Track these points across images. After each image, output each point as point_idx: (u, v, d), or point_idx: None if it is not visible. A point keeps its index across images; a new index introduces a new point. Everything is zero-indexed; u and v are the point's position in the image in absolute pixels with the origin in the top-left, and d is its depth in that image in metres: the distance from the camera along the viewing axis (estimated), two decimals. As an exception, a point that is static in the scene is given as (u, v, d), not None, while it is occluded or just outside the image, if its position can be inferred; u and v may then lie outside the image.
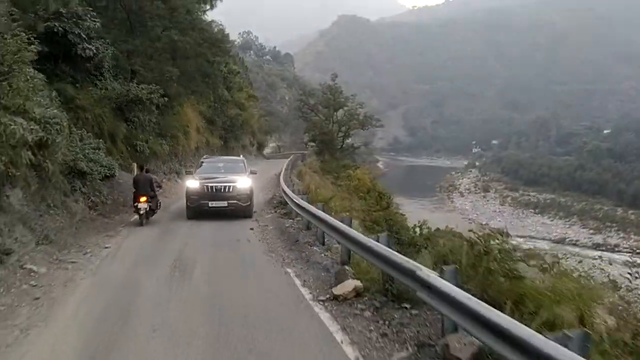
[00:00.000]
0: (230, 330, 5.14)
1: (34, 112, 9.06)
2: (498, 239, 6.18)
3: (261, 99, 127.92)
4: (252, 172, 14.80)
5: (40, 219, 9.24)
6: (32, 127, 8.63)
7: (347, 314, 5.61)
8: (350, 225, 7.38)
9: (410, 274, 4.92)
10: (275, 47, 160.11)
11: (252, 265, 8.21)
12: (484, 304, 3.92)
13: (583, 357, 2.98)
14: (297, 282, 7.02)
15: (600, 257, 60.21)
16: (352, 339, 4.94)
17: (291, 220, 12.09)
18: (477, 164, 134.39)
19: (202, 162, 15.55)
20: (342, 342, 4.90)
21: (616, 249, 65.82)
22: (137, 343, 4.90)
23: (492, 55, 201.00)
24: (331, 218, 8.35)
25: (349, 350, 4.70)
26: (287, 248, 9.20)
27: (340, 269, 6.84)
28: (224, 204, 13.11)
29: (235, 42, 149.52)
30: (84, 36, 16.21)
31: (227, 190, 13.23)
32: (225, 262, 8.46)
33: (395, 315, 5.43)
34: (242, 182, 13.48)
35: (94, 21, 16.48)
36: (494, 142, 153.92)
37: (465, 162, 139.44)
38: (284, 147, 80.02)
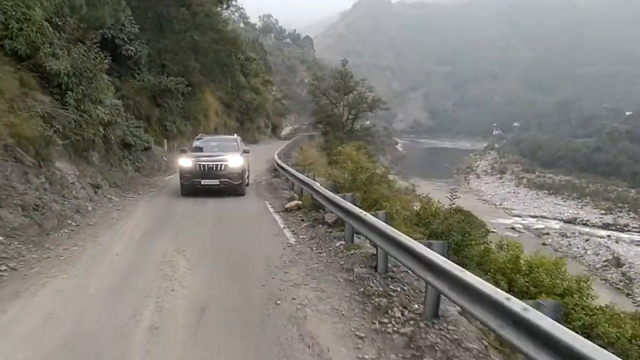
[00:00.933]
0: (228, 220, 10.14)
1: (105, 102, 14.10)
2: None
3: (281, 81, 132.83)
4: (245, 151, 15.42)
5: (108, 173, 14.34)
6: (104, 111, 13.66)
7: (288, 216, 10.57)
8: (314, 179, 12.01)
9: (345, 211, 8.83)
10: (295, 30, 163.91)
11: (245, 199, 13.21)
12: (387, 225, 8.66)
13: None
14: (269, 205, 12.01)
15: (608, 236, 63.69)
16: (285, 222, 9.91)
17: (278, 179, 16.97)
18: (496, 146, 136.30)
19: (196, 141, 15.97)
20: (280, 223, 9.83)
21: (625, 229, 68.35)
22: (176, 223, 9.89)
23: (515, 37, 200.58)
24: (297, 172, 13.21)
25: (282, 225, 9.65)
26: (269, 192, 14.24)
27: (292, 197, 11.74)
28: (216, 182, 13.67)
29: (256, 26, 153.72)
30: (126, 39, 21.24)
31: (218, 168, 13.73)
32: (228, 199, 13.44)
33: (313, 214, 10.31)
34: (234, 161, 13.96)
35: (133, 26, 21.51)
36: (515, 124, 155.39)
37: (485, 145, 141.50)
38: (300, 129, 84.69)
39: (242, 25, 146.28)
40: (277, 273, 6.57)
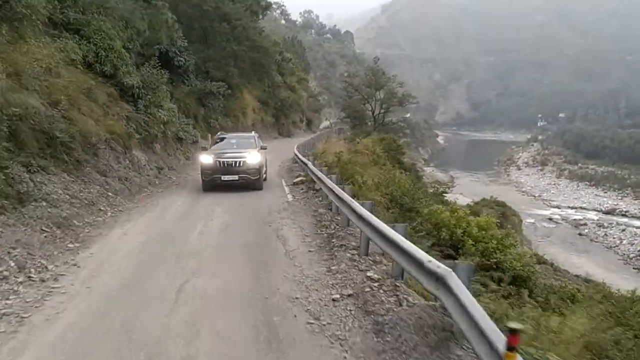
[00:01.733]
0: (251, 191, 14.72)
1: (164, 106, 19.02)
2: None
3: (321, 76, 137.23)
4: (262, 148, 16.45)
5: (167, 159, 19.26)
6: (164, 113, 18.56)
7: (294, 187, 15.05)
8: (313, 163, 16.40)
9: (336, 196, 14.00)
10: (335, 26, 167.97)
11: (268, 177, 17.86)
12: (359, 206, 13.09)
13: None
14: (283, 181, 16.55)
15: (646, 226, 64.72)
16: (290, 190, 14.45)
17: (296, 164, 21.47)
18: (539, 137, 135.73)
19: (217, 139, 17.23)
20: (286, 190, 14.39)
21: (665, 220, 68.83)
22: (214, 190, 14.55)
23: (563, 24, 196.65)
24: (301, 156, 17.74)
25: (287, 191, 14.22)
26: (287, 173, 18.78)
27: (299, 175, 16.25)
28: (235, 177, 14.56)
29: (297, 22, 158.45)
30: (177, 52, 26.19)
31: (237, 164, 14.62)
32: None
33: (309, 185, 14.75)
34: (252, 157, 14.88)
35: (183, 41, 26.46)
36: (561, 115, 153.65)
37: (529, 137, 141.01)
38: (337, 123, 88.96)
39: (283, 22, 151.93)
40: (273, 214, 11.09)
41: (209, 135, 27.10)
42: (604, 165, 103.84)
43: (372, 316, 5.15)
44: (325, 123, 76.84)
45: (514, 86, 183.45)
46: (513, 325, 2.86)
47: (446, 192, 43.65)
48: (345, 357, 4.38)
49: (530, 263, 13.51)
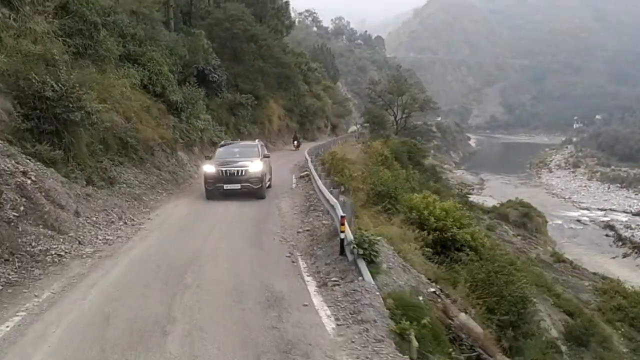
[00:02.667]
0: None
1: (201, 117, 24.00)
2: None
3: (351, 81, 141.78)
4: (265, 156, 16.77)
5: (203, 160, 24.16)
6: (201, 123, 23.51)
7: (300, 179, 19.68)
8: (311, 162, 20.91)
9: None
10: (366, 31, 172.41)
11: (283, 172, 22.47)
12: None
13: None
14: (293, 176, 21.19)
15: (676, 226, 66.37)
16: (296, 180, 19.09)
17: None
18: (574, 140, 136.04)
19: (220, 148, 17.56)
20: (294, 181, 19.05)
21: (695, 221, 70.02)
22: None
23: (600, 26, 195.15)
24: (309, 158, 22.34)
25: (294, 181, 18.89)
26: (298, 170, 23.39)
27: (306, 170, 20.88)
28: (238, 186, 14.96)
29: (328, 29, 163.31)
30: (211, 69, 31.22)
31: (240, 174, 15.02)
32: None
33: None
34: (254, 167, 15.27)
35: (216, 60, 31.52)
36: (597, 117, 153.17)
37: (563, 139, 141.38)
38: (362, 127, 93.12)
39: (315, 29, 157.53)
40: (278, 196, 15.74)
41: (239, 140, 32.03)
42: (636, 168, 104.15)
43: (313, 237, 9.73)
44: (353, 128, 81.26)
45: (549, 89, 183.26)
46: (342, 214, 7.38)
47: (470, 194, 47.14)
48: (292, 246, 9.00)
49: (480, 237, 17.50)
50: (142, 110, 17.82)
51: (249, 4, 38.89)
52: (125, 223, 11.17)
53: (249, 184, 15.08)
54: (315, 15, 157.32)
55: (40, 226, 9.05)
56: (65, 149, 11.28)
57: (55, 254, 8.51)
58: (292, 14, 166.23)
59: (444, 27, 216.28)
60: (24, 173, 9.46)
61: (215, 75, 31.32)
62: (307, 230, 10.40)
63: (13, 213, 8.67)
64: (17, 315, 5.99)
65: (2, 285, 6.98)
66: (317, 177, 13.59)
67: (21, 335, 5.45)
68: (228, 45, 34.57)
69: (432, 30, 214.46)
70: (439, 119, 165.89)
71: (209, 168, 15.50)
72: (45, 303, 6.44)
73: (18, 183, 9.14)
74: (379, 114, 53.35)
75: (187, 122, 22.39)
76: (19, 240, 8.33)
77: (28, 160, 9.93)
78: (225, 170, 15.11)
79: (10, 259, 7.85)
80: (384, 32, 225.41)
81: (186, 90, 23.41)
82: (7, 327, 5.65)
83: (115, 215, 11.32)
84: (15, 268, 7.60)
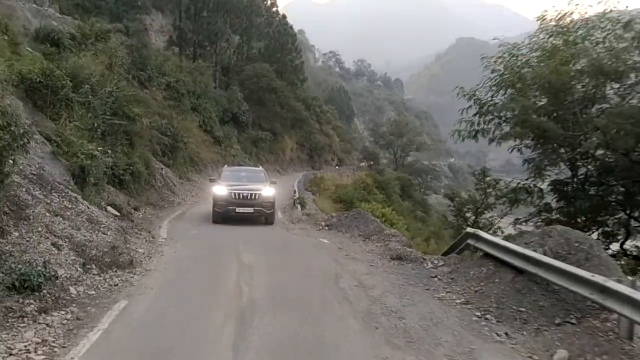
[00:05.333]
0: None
1: (234, 146, 37.03)
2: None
3: (368, 120, 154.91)
4: (272, 182, 17.14)
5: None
6: (233, 152, 36.48)
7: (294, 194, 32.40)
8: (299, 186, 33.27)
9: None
10: (386, 74, 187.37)
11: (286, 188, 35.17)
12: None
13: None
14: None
15: None
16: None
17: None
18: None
19: (225, 171, 17.73)
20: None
21: None
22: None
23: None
24: (299, 183, 34.87)
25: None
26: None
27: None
28: (250, 210, 15.23)
29: (350, 70, 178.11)
30: (241, 112, 44.47)
31: (253, 197, 15.30)
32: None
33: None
34: (267, 191, 15.69)
35: (245, 105, 44.86)
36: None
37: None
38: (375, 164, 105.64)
39: (337, 69, 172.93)
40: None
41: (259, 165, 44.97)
42: None
43: (285, 208, 22.29)
44: (363, 164, 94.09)
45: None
46: (295, 189, 20.07)
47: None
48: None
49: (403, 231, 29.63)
50: (201, 142, 30.83)
51: (273, 62, 52.65)
52: (197, 194, 23.87)
53: (261, 208, 15.50)
54: (338, 56, 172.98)
55: (168, 191, 21.81)
56: (173, 159, 24.18)
57: (174, 201, 21.23)
58: (317, 54, 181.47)
59: (464, 71, 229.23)
60: (161, 169, 22.30)
61: (244, 117, 44.60)
62: (283, 215, 22.70)
63: (158, 185, 21.46)
64: (174, 213, 18.60)
65: (165, 208, 19.63)
66: (296, 183, 26.07)
67: (180, 217, 18.09)
68: (254, 93, 47.91)
69: (452, 74, 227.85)
70: (452, 160, 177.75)
71: (219, 190, 15.57)
72: (179, 211, 19.04)
73: (160, 173, 21.96)
74: (373, 152, 66.02)
75: (225, 150, 35.35)
76: (162, 195, 21.05)
77: (161, 163, 22.80)
78: (238, 193, 15.32)
79: (161, 203, 20.51)
80: (407, 74, 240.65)
81: (225, 129, 36.53)
82: (173, 215, 18.23)
83: (194, 191, 24.08)
84: (164, 205, 20.24)
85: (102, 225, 9.57)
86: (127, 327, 6.23)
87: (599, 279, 5.81)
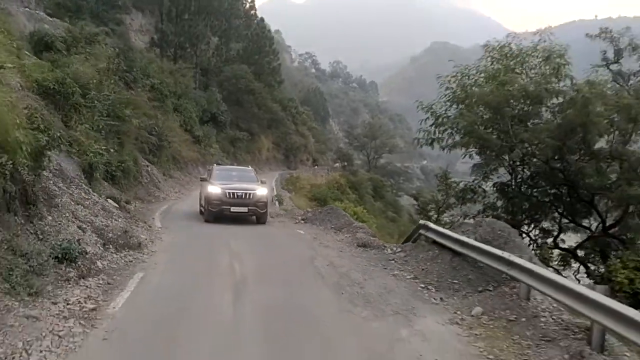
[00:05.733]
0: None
1: (213, 146, 38.61)
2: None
3: (343, 121, 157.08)
4: (262, 182, 17.41)
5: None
6: (212, 151, 38.06)
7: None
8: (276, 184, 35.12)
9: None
10: (361, 76, 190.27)
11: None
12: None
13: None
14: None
15: None
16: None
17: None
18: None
19: (216, 170, 17.76)
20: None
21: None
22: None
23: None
24: (276, 181, 36.73)
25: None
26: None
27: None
28: (244, 209, 15.39)
29: (326, 71, 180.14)
30: (220, 113, 46.01)
31: (247, 197, 15.44)
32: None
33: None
34: (261, 190, 15.97)
35: (224, 106, 46.43)
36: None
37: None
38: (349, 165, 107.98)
39: (313, 70, 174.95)
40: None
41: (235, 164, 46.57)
42: None
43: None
44: (337, 164, 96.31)
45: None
46: (273, 186, 21.94)
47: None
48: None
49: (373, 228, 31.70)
50: (183, 141, 32.39)
51: (251, 63, 54.32)
52: (180, 191, 25.49)
53: (256, 208, 15.63)
54: (314, 57, 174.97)
55: (154, 187, 23.39)
56: (158, 157, 25.74)
57: (160, 196, 22.85)
58: (293, 55, 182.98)
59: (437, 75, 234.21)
60: (147, 166, 23.86)
61: (223, 117, 46.13)
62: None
63: (145, 181, 23.03)
64: (162, 207, 20.23)
65: (152, 202, 21.21)
66: (273, 181, 27.91)
67: (168, 210, 19.76)
68: (233, 94, 49.51)
69: (425, 78, 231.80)
70: (425, 162, 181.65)
71: (213, 189, 15.58)
72: (166, 205, 20.68)
73: (146, 170, 23.53)
74: (347, 153, 68.23)
75: (204, 149, 36.90)
76: (148, 191, 22.63)
77: (147, 161, 24.35)
78: (233, 193, 15.36)
79: (148, 198, 22.08)
80: (382, 76, 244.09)
81: (204, 129, 38.09)
82: (162, 209, 19.87)
83: (177, 187, 25.70)
84: (151, 200, 21.81)
85: (114, 214, 11.33)
86: (150, 290, 8.09)
87: (506, 255, 7.89)
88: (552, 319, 7.09)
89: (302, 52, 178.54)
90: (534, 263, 7.74)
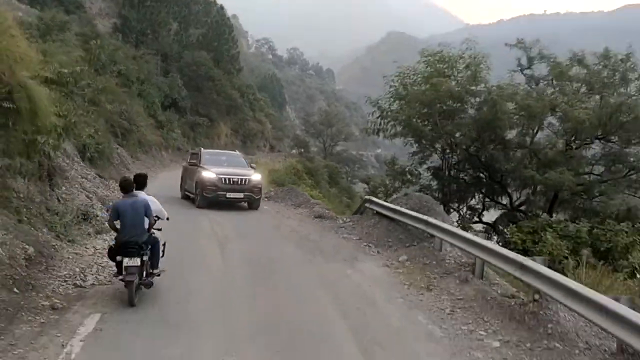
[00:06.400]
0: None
1: (175, 131, 40.29)
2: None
3: (299, 109, 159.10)
4: (252, 167, 17.44)
5: (173, 156, 40.35)
6: (174, 135, 39.75)
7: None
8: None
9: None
10: (318, 63, 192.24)
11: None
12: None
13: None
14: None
15: None
16: None
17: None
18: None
19: (205, 155, 17.51)
20: None
21: None
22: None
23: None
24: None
25: None
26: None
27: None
28: (240, 195, 15.38)
29: (283, 57, 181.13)
30: (181, 98, 47.50)
31: (243, 182, 15.36)
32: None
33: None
34: (256, 176, 15.93)
35: (185, 91, 47.97)
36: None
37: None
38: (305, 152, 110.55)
39: (270, 56, 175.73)
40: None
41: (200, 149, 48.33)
42: None
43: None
44: (293, 151, 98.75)
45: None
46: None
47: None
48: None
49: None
50: (147, 125, 34.06)
51: (210, 50, 55.79)
52: (147, 172, 27.37)
53: (251, 194, 15.57)
54: (271, 43, 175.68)
55: (124, 168, 25.24)
56: (126, 141, 27.49)
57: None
58: (250, 40, 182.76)
59: (394, 65, 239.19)
60: (117, 149, 25.65)
61: (183, 103, 47.69)
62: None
63: (116, 162, 24.84)
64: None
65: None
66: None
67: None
68: (193, 80, 51.01)
69: (380, 67, 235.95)
70: (379, 150, 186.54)
71: (208, 174, 15.30)
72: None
73: (117, 152, 25.32)
74: (304, 140, 70.80)
75: (167, 134, 38.58)
76: (120, 172, 24.44)
77: (117, 144, 26.11)
78: (228, 179, 15.25)
79: (120, 175, 23.92)
80: (340, 64, 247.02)
81: (167, 114, 39.70)
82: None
83: (144, 170, 27.56)
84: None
85: (110, 187, 13.49)
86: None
87: (425, 217, 10.70)
88: (454, 261, 9.97)
89: (260, 38, 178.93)
90: (445, 223, 10.59)
